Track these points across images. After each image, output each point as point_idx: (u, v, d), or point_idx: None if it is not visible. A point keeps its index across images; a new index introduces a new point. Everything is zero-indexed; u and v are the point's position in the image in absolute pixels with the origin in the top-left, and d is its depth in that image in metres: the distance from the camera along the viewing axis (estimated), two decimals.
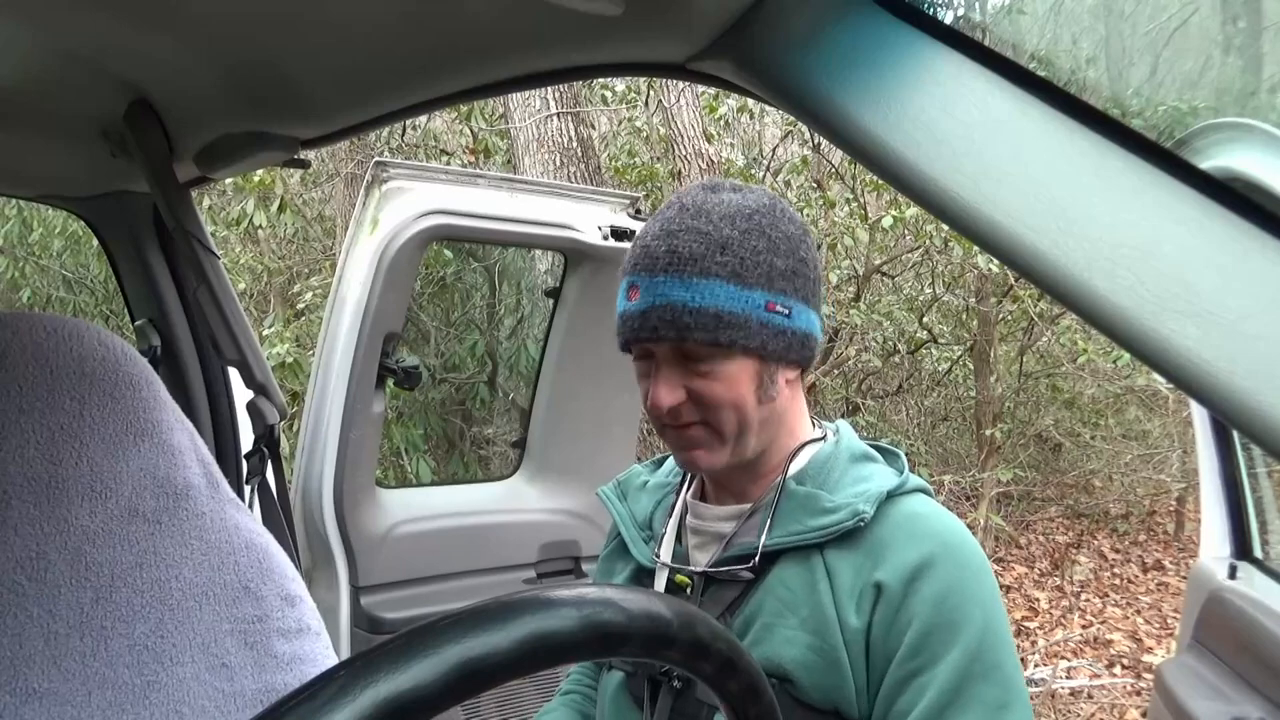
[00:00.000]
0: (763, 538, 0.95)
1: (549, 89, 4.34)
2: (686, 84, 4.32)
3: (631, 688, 1.02)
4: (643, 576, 1.06)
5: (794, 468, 1.00)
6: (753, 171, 5.82)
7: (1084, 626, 5.07)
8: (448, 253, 4.95)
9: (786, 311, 0.93)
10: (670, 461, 1.14)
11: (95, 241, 3.75)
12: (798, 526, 0.94)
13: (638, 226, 2.19)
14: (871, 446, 1.04)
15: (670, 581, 1.02)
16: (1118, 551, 6.50)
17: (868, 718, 0.89)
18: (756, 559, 0.94)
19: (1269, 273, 0.36)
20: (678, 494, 1.08)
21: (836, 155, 5.76)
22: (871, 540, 0.91)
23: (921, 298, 6.40)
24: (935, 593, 0.87)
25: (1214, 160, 0.43)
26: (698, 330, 0.90)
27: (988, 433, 5.92)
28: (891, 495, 0.94)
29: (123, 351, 0.75)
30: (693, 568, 1.00)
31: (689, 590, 1.00)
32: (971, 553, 0.91)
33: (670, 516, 1.06)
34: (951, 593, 0.87)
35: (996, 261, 1.41)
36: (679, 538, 1.05)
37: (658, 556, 1.03)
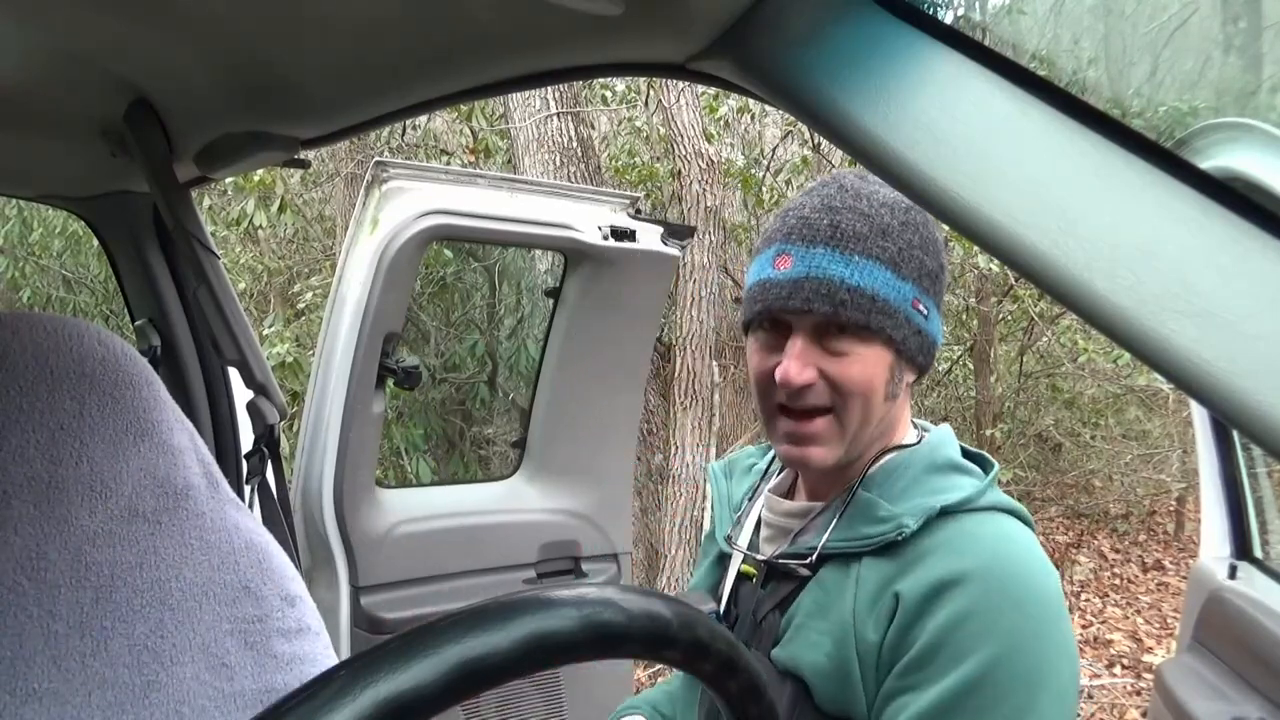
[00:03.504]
0: (823, 539, 0.93)
1: (549, 89, 4.33)
2: (686, 84, 4.31)
3: None
4: (724, 559, 1.07)
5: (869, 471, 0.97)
6: (753, 171, 5.81)
7: (1084, 626, 5.06)
8: (448, 253, 4.95)
9: (926, 313, 0.92)
10: None
11: (95, 241, 3.75)
12: (851, 533, 0.92)
13: (638, 226, 2.19)
14: (968, 457, 0.97)
15: (740, 570, 1.03)
16: (1118, 551, 6.50)
17: None
18: (814, 558, 0.93)
19: (1269, 273, 0.36)
20: (763, 480, 1.08)
21: (836, 155, 5.75)
22: (911, 553, 0.86)
23: None
24: (952, 614, 0.80)
25: (1214, 160, 0.43)
26: (852, 308, 0.87)
27: (988, 433, 5.92)
28: (951, 511, 0.87)
29: (123, 351, 0.75)
30: (759, 557, 1.00)
31: (755, 579, 1.00)
32: (1022, 586, 0.81)
33: (753, 504, 1.07)
34: (971, 618, 0.80)
35: (996, 261, 1.41)
36: (756, 527, 1.05)
37: (730, 540, 1.05)
